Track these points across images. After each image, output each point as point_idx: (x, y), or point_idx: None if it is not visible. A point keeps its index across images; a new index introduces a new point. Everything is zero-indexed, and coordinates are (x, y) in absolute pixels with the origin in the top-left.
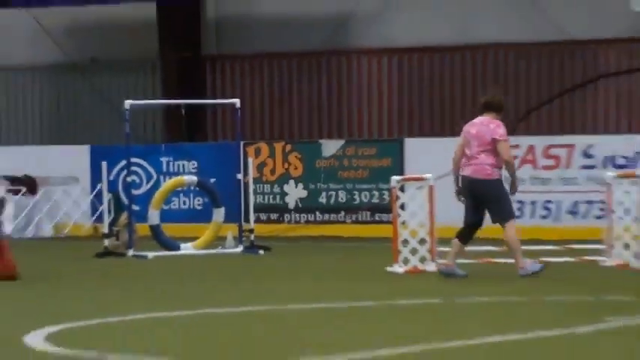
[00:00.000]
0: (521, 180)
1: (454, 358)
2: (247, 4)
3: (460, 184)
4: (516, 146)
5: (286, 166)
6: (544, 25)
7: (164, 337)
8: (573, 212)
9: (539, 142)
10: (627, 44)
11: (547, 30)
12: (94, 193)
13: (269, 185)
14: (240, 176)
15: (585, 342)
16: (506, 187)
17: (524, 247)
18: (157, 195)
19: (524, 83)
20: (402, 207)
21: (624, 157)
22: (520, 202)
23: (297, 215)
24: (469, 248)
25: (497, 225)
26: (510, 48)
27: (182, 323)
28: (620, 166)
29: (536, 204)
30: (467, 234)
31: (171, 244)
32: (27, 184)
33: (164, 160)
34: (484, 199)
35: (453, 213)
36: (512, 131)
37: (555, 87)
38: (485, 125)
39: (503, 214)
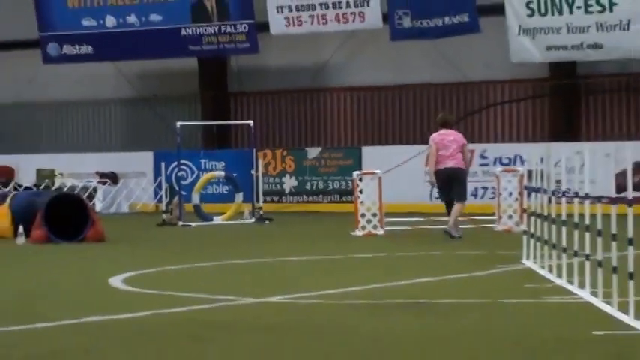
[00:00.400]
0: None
1: (398, 292)
2: (258, 58)
3: (435, 176)
4: None
5: (283, 165)
6: (454, 72)
7: (204, 279)
8: (474, 195)
9: None
10: (508, 84)
11: (455, 75)
12: (156, 183)
13: (272, 178)
14: (253, 172)
15: (483, 281)
16: None
17: (444, 218)
18: (198, 184)
19: (441, 109)
20: (361, 192)
21: (508, 158)
22: None
23: (291, 198)
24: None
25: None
26: (432, 86)
27: (215, 270)
28: (505, 164)
29: None
30: (449, 207)
31: (207, 218)
32: (111, 177)
33: (202, 161)
34: (457, 182)
35: (394, 196)
36: None
37: (462, 111)
38: (457, 134)
39: (463, 196)
